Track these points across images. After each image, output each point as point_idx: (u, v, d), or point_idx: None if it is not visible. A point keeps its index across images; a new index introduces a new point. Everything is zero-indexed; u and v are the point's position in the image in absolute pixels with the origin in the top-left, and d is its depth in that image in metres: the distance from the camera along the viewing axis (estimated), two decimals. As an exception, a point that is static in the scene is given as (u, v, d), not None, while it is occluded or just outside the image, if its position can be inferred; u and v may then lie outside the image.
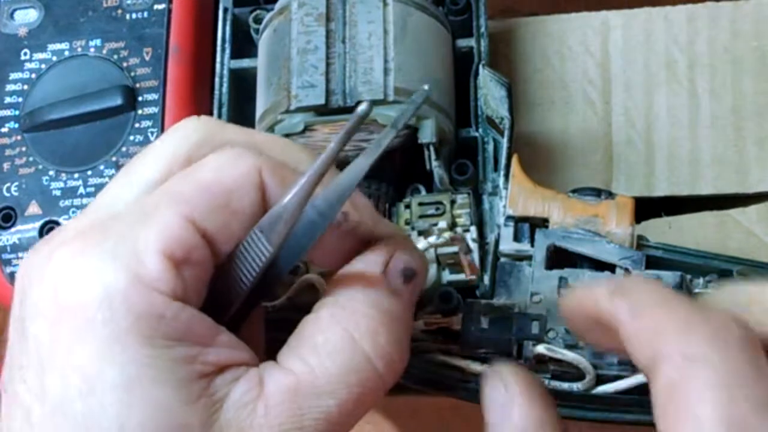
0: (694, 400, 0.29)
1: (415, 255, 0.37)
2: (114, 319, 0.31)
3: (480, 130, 0.49)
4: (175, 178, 0.34)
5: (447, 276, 0.45)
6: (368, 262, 0.36)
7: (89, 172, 0.52)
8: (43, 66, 0.54)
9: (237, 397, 0.32)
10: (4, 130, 0.54)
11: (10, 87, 0.54)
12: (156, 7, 0.55)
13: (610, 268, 0.44)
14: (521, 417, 0.35)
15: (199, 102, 0.54)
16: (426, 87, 0.33)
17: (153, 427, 0.30)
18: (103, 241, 0.32)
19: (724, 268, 0.44)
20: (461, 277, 0.45)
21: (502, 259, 0.45)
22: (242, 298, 0.34)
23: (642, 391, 0.39)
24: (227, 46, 0.53)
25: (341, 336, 0.34)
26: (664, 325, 0.31)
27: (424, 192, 0.48)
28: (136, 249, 0.32)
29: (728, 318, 0.30)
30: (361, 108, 0.32)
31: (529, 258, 0.45)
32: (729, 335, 0.30)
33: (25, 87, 0.54)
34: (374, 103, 0.46)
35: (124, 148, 0.52)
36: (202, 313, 0.33)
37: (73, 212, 0.52)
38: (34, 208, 0.52)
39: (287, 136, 0.46)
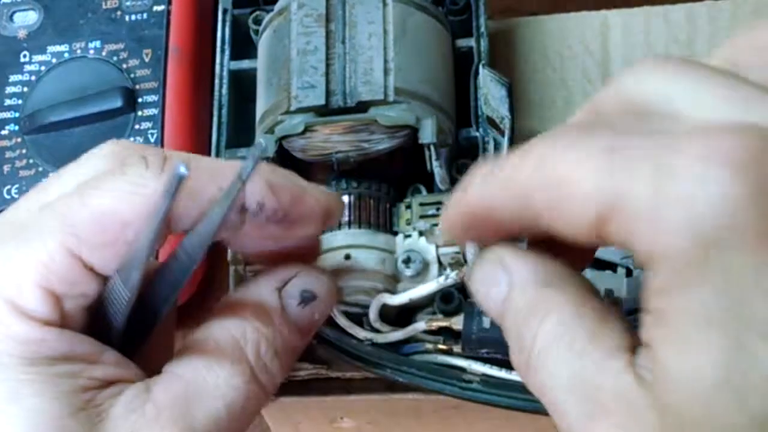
0: None
1: (320, 278, 0.38)
2: None
3: (480, 130, 0.49)
4: (70, 198, 0.33)
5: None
6: (266, 280, 0.37)
7: (89, 174, 0.52)
8: (42, 68, 0.55)
9: (122, 406, 0.33)
10: (4, 132, 0.54)
11: (9, 89, 0.55)
12: (155, 8, 0.55)
13: (612, 267, 0.43)
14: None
15: (199, 103, 0.54)
16: (261, 140, 0.33)
17: None
18: None
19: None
20: (462, 277, 0.45)
21: (503, 259, 0.45)
22: (119, 329, 0.34)
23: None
24: (227, 47, 0.53)
25: (229, 342, 0.35)
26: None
27: (424, 192, 0.48)
28: (15, 278, 0.32)
29: None
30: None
31: (530, 258, 0.45)
32: None
33: (25, 89, 0.54)
34: (374, 103, 0.46)
35: (124, 150, 0.52)
36: (84, 336, 0.34)
37: (74, 214, 0.52)
38: (34, 210, 0.52)
39: (287, 137, 0.46)
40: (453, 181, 0.48)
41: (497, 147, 0.49)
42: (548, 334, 0.30)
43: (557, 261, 0.32)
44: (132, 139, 0.52)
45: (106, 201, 0.33)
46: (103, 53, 0.54)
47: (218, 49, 0.53)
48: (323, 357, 0.47)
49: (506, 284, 0.32)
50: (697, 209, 0.25)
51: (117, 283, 0.33)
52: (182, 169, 0.30)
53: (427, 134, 0.46)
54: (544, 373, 0.30)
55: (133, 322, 0.34)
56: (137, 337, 0.35)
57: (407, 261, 0.45)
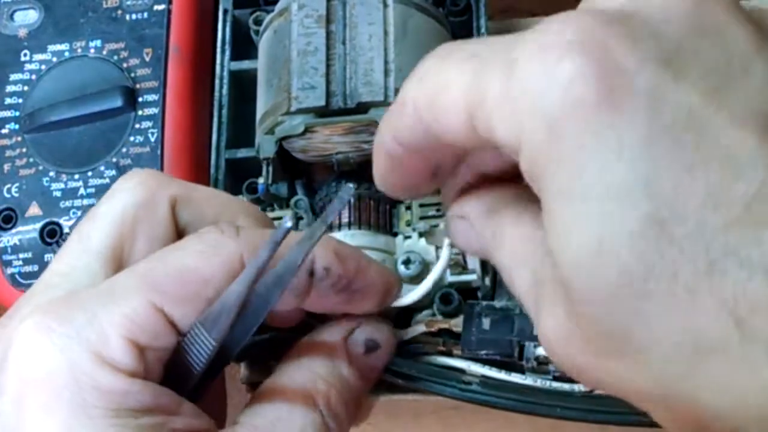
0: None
1: (382, 327, 0.40)
2: (80, 394, 0.32)
3: (480, 131, 0.49)
4: (152, 260, 0.35)
5: (448, 277, 0.45)
6: (333, 330, 0.39)
7: (90, 173, 0.52)
8: (43, 67, 0.54)
9: None
10: (5, 131, 0.54)
11: (10, 88, 0.54)
12: (156, 7, 0.55)
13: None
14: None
15: (199, 103, 0.54)
16: (351, 185, 0.35)
17: None
18: (69, 318, 0.33)
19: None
20: (462, 278, 0.45)
21: (503, 261, 0.45)
22: (196, 378, 0.35)
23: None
24: (227, 47, 0.53)
25: (300, 392, 0.36)
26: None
27: (424, 193, 0.48)
28: (102, 332, 0.33)
29: None
30: (287, 223, 0.33)
31: (530, 259, 0.45)
32: None
33: (25, 88, 0.54)
34: (374, 104, 0.46)
35: (124, 149, 0.52)
36: (165, 388, 0.34)
37: (74, 213, 0.52)
38: (34, 209, 0.52)
39: (287, 137, 0.46)
40: (453, 182, 0.48)
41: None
42: (508, 254, 0.32)
43: (501, 186, 0.34)
44: (132, 138, 0.52)
45: (186, 259, 0.35)
46: (104, 52, 0.54)
47: (219, 49, 0.53)
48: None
49: (469, 227, 0.35)
50: (538, 95, 0.27)
51: (199, 334, 0.34)
52: (289, 223, 0.33)
53: (428, 135, 0.46)
54: (516, 285, 0.32)
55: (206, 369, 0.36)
56: (206, 382, 0.36)
57: (407, 262, 0.45)
